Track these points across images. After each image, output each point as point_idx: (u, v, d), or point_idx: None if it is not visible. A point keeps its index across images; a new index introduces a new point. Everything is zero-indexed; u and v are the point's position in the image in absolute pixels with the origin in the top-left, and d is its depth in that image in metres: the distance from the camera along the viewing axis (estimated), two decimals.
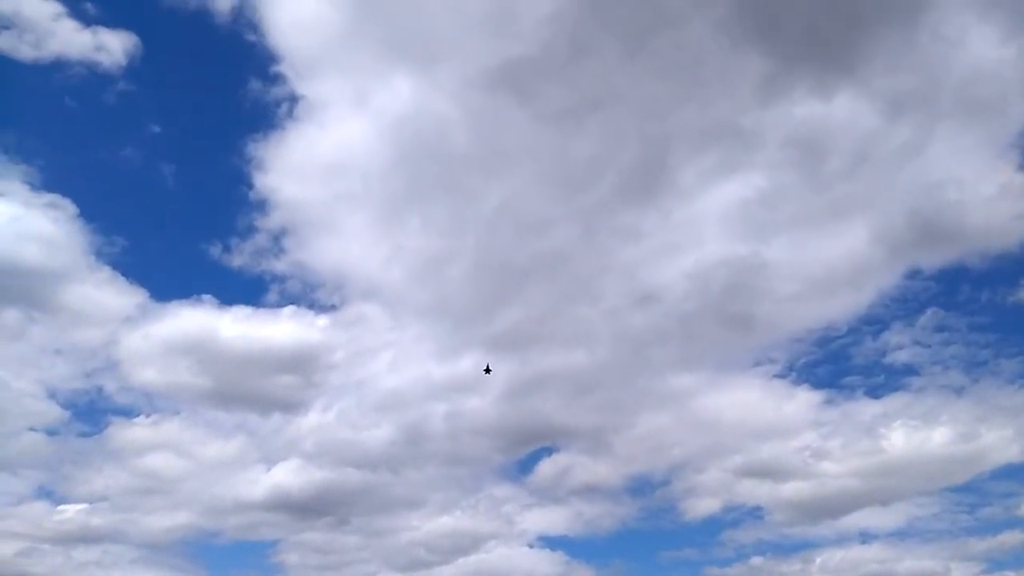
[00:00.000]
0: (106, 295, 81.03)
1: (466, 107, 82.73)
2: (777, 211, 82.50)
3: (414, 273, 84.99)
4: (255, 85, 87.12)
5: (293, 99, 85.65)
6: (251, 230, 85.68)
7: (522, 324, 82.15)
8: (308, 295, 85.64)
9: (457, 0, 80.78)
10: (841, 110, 79.69)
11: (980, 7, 77.78)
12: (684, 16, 79.03)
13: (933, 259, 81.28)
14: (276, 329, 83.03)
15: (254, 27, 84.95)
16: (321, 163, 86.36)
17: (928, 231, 78.85)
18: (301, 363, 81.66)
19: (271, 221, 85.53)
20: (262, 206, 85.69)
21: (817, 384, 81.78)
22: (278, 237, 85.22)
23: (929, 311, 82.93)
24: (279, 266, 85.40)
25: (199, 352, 79.79)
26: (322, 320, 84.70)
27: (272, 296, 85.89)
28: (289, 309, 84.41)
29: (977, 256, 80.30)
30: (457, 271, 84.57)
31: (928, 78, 78.27)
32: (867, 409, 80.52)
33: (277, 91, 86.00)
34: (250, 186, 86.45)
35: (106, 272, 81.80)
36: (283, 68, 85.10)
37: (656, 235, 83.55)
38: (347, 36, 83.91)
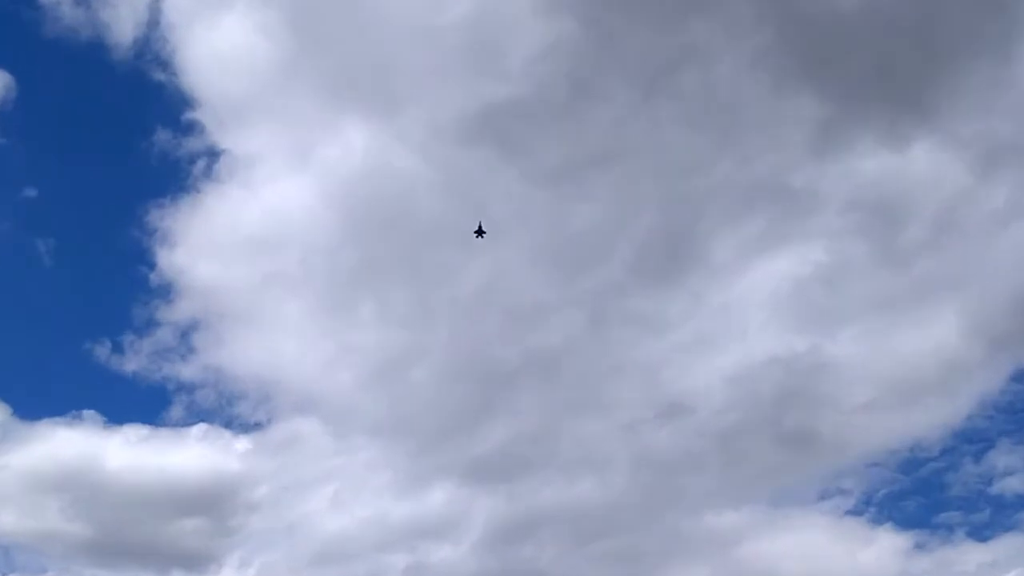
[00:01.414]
0: None
1: (436, 163, 72.04)
2: (842, 293, 70.86)
3: (366, 378, 72.07)
4: (162, 136, 74.92)
5: (212, 154, 74.53)
6: (151, 324, 72.46)
7: (510, 445, 69.22)
8: (225, 410, 72.73)
9: (427, 32, 70.80)
10: (920, 164, 69.34)
11: None
12: (713, 49, 68.41)
13: None
14: (181, 456, 71.15)
15: (163, 64, 73.96)
16: (247, 236, 74.26)
17: None
18: (213, 502, 69.27)
19: (178, 312, 72.46)
20: (166, 292, 72.79)
21: (904, 523, 68.10)
22: (186, 333, 72.23)
23: None
24: (187, 372, 72.10)
25: (76, 488, 65.97)
26: (242, 443, 72.11)
27: (176, 412, 72.83)
28: (199, 428, 72.33)
29: None
30: (423, 375, 71.46)
31: None
32: (971, 555, 66.34)
33: (191, 144, 74.68)
34: (151, 266, 73.51)
35: None
36: (200, 115, 73.94)
37: (684, 326, 71.29)
38: (284, 75, 73.59)
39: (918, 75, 67.47)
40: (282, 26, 71.72)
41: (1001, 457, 68.28)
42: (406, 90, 71.16)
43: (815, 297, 70.50)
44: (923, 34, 67.39)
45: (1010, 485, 67.11)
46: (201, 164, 73.70)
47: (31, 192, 74.40)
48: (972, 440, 69.44)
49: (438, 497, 67.75)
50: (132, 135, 76.51)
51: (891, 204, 69.65)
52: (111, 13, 72.12)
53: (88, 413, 69.50)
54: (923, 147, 68.14)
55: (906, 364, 68.52)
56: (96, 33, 72.36)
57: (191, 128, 73.36)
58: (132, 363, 71.39)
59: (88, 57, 73.44)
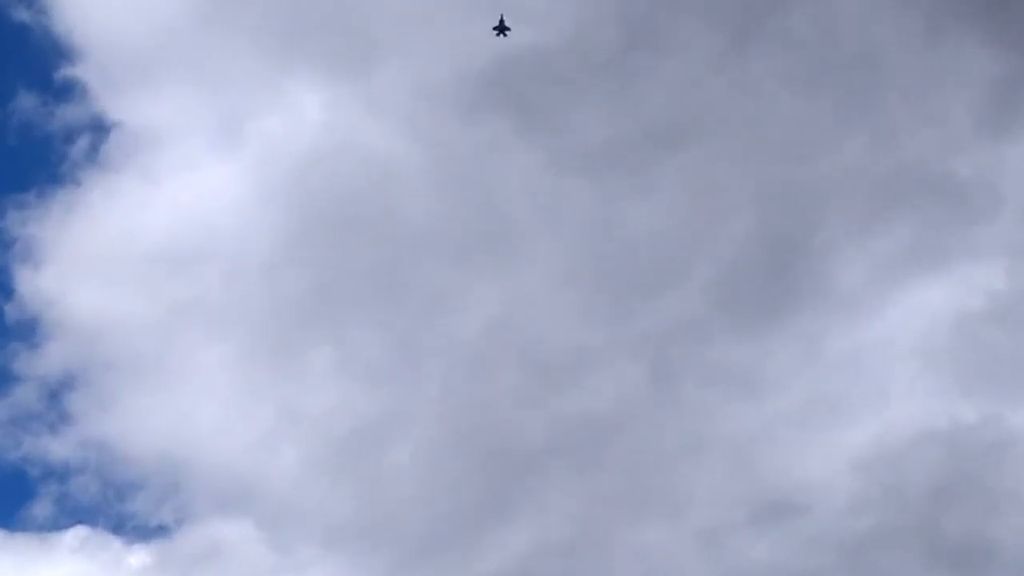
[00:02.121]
0: None
1: (424, 142, 56.82)
2: None
3: (320, 460, 54.94)
4: (25, 103, 58.55)
5: (98, 128, 58.97)
6: (5, 379, 55.28)
7: (534, 561, 51.69)
8: (113, 506, 57.44)
9: None
10: None
11: None
12: None
13: None
14: (48, 573, 54.97)
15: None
16: (147, 249, 57.36)
17: None
18: None
19: (45, 361, 56.10)
20: (28, 333, 56.46)
21: None
22: (57, 392, 56.13)
23: None
24: (57, 449, 56.26)
25: None
26: (139, 555, 55.68)
27: (42, 508, 57.35)
28: (75, 533, 56.03)
29: None
30: (404, 456, 54.89)
31: None
32: None
33: (68, 113, 59.04)
34: (6, 294, 56.77)
35: None
36: (81, 72, 57.92)
37: (793, 385, 53.75)
38: (204, 16, 57.57)
39: None
40: None
41: None
42: (382, 37, 55.80)
43: (990, 343, 52.59)
44: None
45: None
46: (82, 143, 58.02)
47: None
48: None
49: None
50: None
51: None
52: None
53: None
54: None
55: None
56: None
57: (68, 91, 58.36)
58: None
59: None
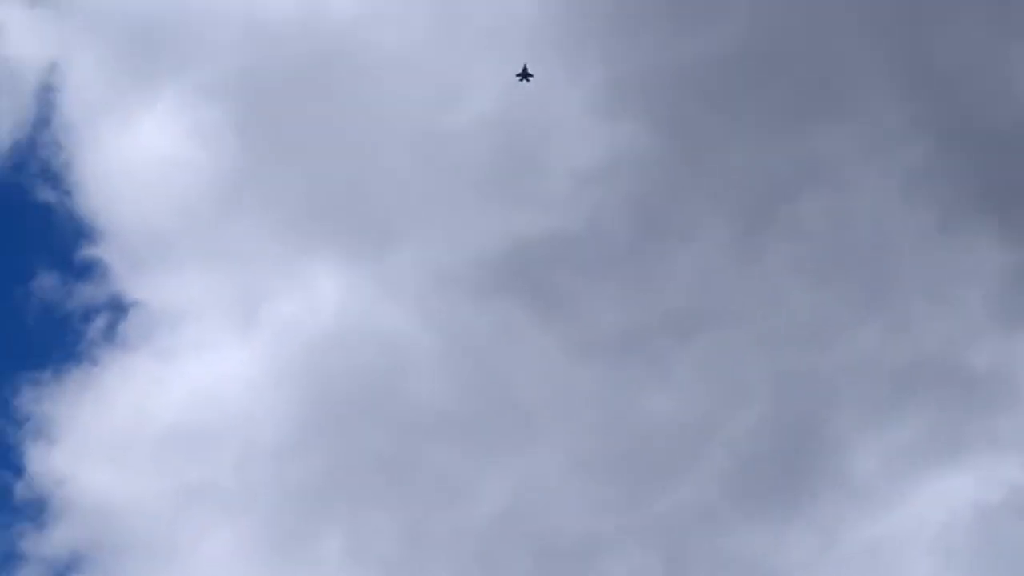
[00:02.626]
0: None
1: (438, 325, 55.92)
2: None
3: None
4: (45, 281, 57.99)
5: (116, 308, 58.19)
6: (10, 559, 53.37)
7: None
8: None
9: (432, 138, 55.96)
10: None
11: None
12: (848, 162, 53.49)
13: None
14: None
15: (52, 178, 58.53)
16: (160, 430, 55.87)
17: None
18: None
19: (52, 542, 53.80)
20: (36, 512, 54.46)
21: None
22: (63, 574, 53.30)
23: None
24: None
25: None
26: None
27: None
28: None
29: None
30: None
31: None
32: None
33: (87, 293, 58.45)
34: (16, 472, 55.49)
35: None
36: (101, 252, 57.64)
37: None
38: (225, 198, 58.64)
39: None
40: (225, 129, 58.18)
41: None
42: (399, 221, 55.98)
43: (1011, 537, 49.43)
44: None
45: None
46: (99, 322, 57.10)
47: None
48: None
49: None
50: (1, 278, 58.76)
51: None
52: None
53: None
54: None
55: None
56: None
57: (88, 270, 57.77)
58: None
59: None
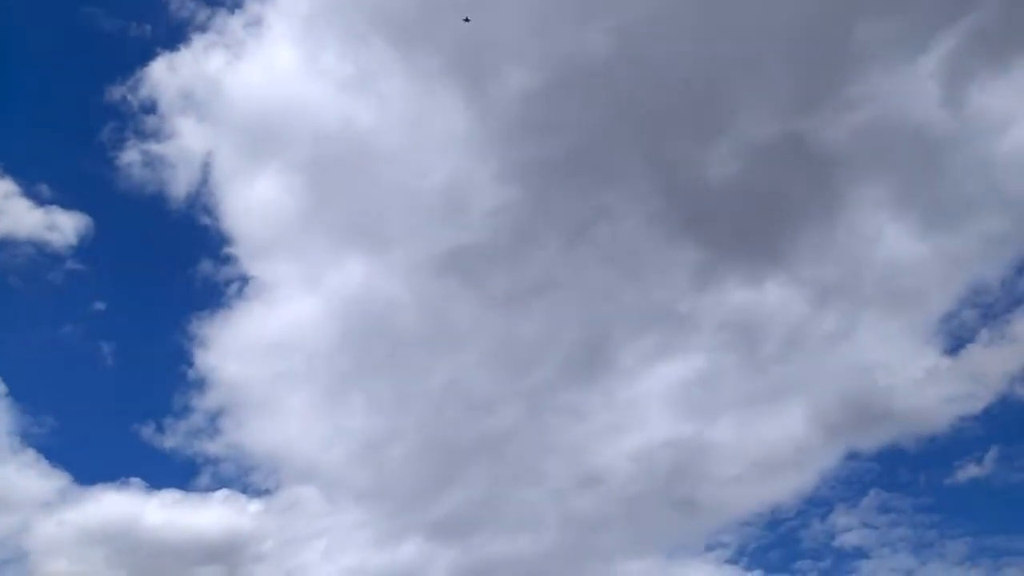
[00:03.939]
0: (26, 479, 77.39)
1: (415, 290, 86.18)
2: (717, 392, 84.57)
3: (354, 454, 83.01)
4: (205, 266, 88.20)
5: (243, 279, 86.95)
6: (187, 410, 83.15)
7: (466, 507, 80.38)
8: (242, 478, 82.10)
9: (411, 192, 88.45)
10: (772, 297, 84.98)
11: (893, 209, 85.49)
12: (620, 211, 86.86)
13: (869, 441, 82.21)
14: (205, 515, 79.71)
15: (209, 211, 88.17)
16: (266, 343, 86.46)
17: (861, 414, 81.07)
18: (228, 552, 77.45)
19: (209, 401, 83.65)
20: (201, 385, 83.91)
21: (770, 568, 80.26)
22: (215, 418, 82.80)
23: (872, 492, 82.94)
24: (213, 448, 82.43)
25: (118, 540, 75.50)
26: (255, 505, 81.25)
27: (204, 480, 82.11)
28: (221, 493, 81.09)
29: (911, 439, 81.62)
30: (399, 452, 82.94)
31: (850, 270, 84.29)
32: None
33: (227, 271, 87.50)
34: (190, 364, 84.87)
35: (30, 454, 78.40)
36: (235, 250, 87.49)
37: (599, 416, 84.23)
38: (302, 221, 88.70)
39: (770, 232, 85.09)
40: (302, 185, 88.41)
41: (840, 518, 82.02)
42: (394, 235, 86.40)
43: (697, 395, 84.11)
44: (773, 202, 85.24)
45: (848, 540, 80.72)
46: (234, 287, 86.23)
47: (101, 306, 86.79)
48: (818, 505, 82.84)
49: (408, 551, 77.03)
50: (182, 265, 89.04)
51: (751, 327, 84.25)
52: (171, 173, 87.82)
53: (134, 480, 78.19)
54: (774, 285, 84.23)
55: (766, 447, 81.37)
56: (159, 188, 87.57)
57: (228, 260, 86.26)
58: (170, 440, 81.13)
59: (151, 205, 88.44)
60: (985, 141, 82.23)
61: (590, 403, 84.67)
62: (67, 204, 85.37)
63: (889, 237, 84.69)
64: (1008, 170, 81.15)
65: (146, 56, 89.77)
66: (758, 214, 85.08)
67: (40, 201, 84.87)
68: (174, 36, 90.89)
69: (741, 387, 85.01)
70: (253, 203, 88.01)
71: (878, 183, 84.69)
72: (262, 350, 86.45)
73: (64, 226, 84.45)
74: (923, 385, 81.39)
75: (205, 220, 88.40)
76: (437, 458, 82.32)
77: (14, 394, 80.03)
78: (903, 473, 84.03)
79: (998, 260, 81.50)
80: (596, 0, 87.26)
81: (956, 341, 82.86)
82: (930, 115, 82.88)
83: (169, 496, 79.03)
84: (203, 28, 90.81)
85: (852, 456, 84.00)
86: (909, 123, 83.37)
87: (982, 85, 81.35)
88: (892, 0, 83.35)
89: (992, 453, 79.52)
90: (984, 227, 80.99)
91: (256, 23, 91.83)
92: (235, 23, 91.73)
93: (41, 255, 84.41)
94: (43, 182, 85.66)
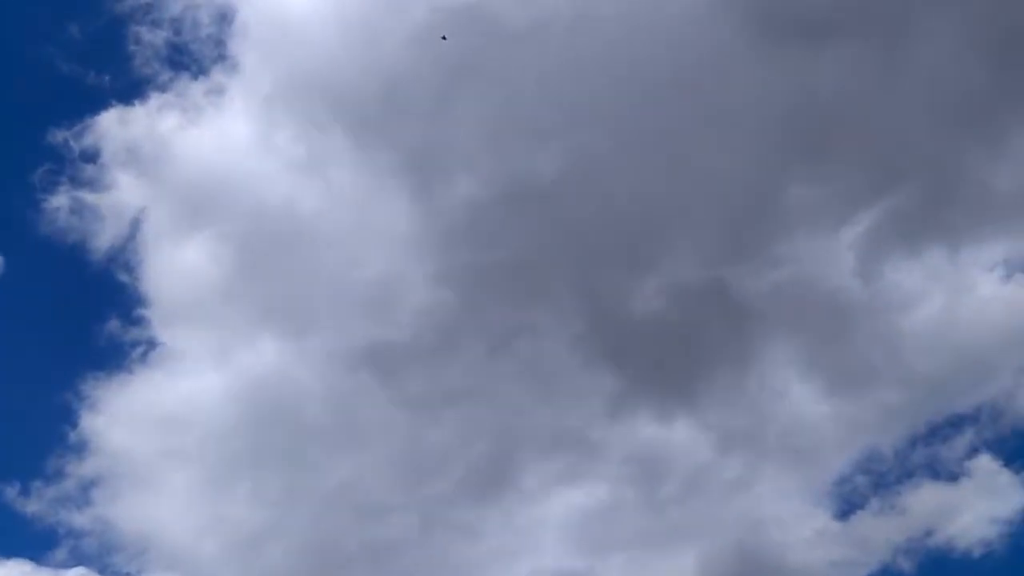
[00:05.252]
0: None
1: (326, 381, 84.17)
2: (615, 528, 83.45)
3: (230, 548, 78.50)
4: (114, 325, 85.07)
5: (151, 344, 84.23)
6: (59, 475, 78.32)
7: None
8: (103, 557, 76.67)
9: (341, 281, 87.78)
10: (679, 437, 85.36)
11: (801, 366, 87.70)
12: (544, 329, 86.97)
13: None
14: None
15: (129, 269, 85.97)
16: (160, 414, 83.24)
17: (752, 567, 79.91)
18: None
19: (85, 468, 79.26)
20: (80, 450, 79.63)
21: None
22: (88, 487, 78.33)
23: None
24: (79, 520, 77.49)
25: None
26: None
27: (61, 553, 76.31)
28: (77, 571, 75.59)
29: None
30: (278, 551, 78.64)
31: (756, 420, 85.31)
32: None
33: (136, 333, 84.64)
34: (74, 426, 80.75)
35: None
36: (148, 313, 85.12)
37: (494, 537, 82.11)
38: (223, 293, 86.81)
39: (685, 372, 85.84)
40: (231, 257, 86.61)
41: None
42: (315, 322, 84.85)
43: (595, 528, 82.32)
44: (691, 343, 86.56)
45: None
46: (139, 351, 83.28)
47: None
48: None
49: None
50: (90, 320, 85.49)
51: (656, 464, 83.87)
52: (99, 224, 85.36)
53: None
54: (682, 425, 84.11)
55: None
56: (82, 237, 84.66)
57: (138, 322, 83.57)
58: (34, 506, 75.80)
59: (70, 254, 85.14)
60: (892, 316, 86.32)
61: (487, 522, 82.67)
62: None
63: (795, 394, 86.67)
64: (911, 347, 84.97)
65: (98, 105, 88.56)
66: (676, 353, 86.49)
67: None
68: (132, 91, 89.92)
69: (638, 524, 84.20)
70: (177, 267, 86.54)
71: (791, 341, 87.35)
72: (154, 422, 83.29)
73: None
74: (812, 546, 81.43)
75: (123, 277, 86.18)
76: (318, 562, 78.57)
77: None
78: None
79: (894, 432, 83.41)
80: (552, 124, 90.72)
81: (847, 506, 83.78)
82: (845, 283, 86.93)
83: (17, 567, 73.73)
84: (163, 88, 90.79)
85: None
86: (825, 288, 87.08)
87: (895, 264, 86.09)
88: (822, 171, 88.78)
89: None
90: (884, 398, 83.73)
91: (217, 92, 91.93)
92: (196, 88, 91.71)
93: None
94: None
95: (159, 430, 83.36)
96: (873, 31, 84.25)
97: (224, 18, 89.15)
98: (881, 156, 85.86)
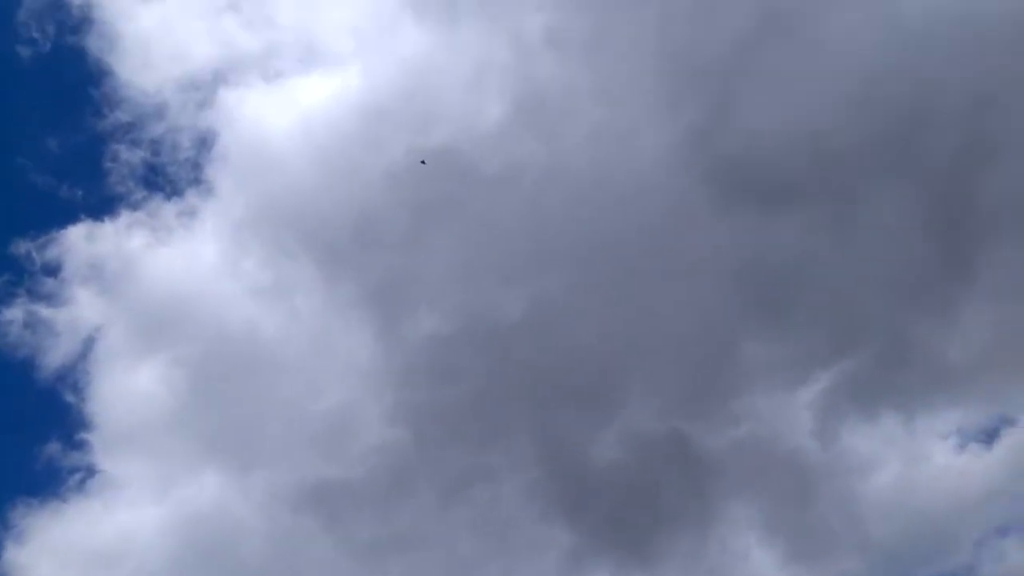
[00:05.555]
0: None
1: (271, 520, 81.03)
2: None
3: None
4: (53, 447, 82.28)
5: (90, 472, 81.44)
6: None
7: None
8: None
9: (295, 412, 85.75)
10: None
11: (761, 531, 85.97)
12: (500, 477, 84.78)
13: None
14: None
15: (77, 390, 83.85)
16: (92, 547, 79.25)
17: None
18: None
19: None
20: None
21: None
22: None
23: None
24: None
25: None
26: None
27: None
28: None
29: None
30: None
31: None
32: None
33: (75, 458, 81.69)
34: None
35: None
36: (91, 437, 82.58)
37: None
38: (171, 421, 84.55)
39: (644, 529, 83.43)
40: (184, 383, 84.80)
41: None
42: (263, 455, 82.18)
43: None
44: (650, 498, 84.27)
45: None
46: (77, 478, 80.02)
47: None
48: None
49: None
50: (28, 441, 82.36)
51: None
52: (51, 341, 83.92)
53: None
54: None
55: None
56: (32, 352, 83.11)
57: (80, 446, 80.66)
58: None
59: (17, 369, 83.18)
60: (850, 480, 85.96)
61: None
62: None
63: (755, 560, 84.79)
64: (870, 513, 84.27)
65: (67, 219, 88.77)
66: (635, 507, 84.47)
67: None
68: (102, 207, 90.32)
69: None
70: (126, 391, 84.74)
71: (751, 502, 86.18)
72: (85, 556, 79.03)
73: None
74: None
75: (69, 397, 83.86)
76: None
77: None
78: None
79: None
80: (518, 267, 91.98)
81: None
82: (803, 443, 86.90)
83: None
84: (135, 207, 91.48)
85: None
86: (783, 447, 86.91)
87: (852, 427, 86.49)
88: (782, 331, 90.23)
89: None
90: (843, 566, 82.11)
91: (190, 214, 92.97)
92: (169, 209, 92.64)
93: None
94: None
95: (89, 565, 79.25)
96: (827, 200, 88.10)
97: (204, 142, 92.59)
98: (835, 320, 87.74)
